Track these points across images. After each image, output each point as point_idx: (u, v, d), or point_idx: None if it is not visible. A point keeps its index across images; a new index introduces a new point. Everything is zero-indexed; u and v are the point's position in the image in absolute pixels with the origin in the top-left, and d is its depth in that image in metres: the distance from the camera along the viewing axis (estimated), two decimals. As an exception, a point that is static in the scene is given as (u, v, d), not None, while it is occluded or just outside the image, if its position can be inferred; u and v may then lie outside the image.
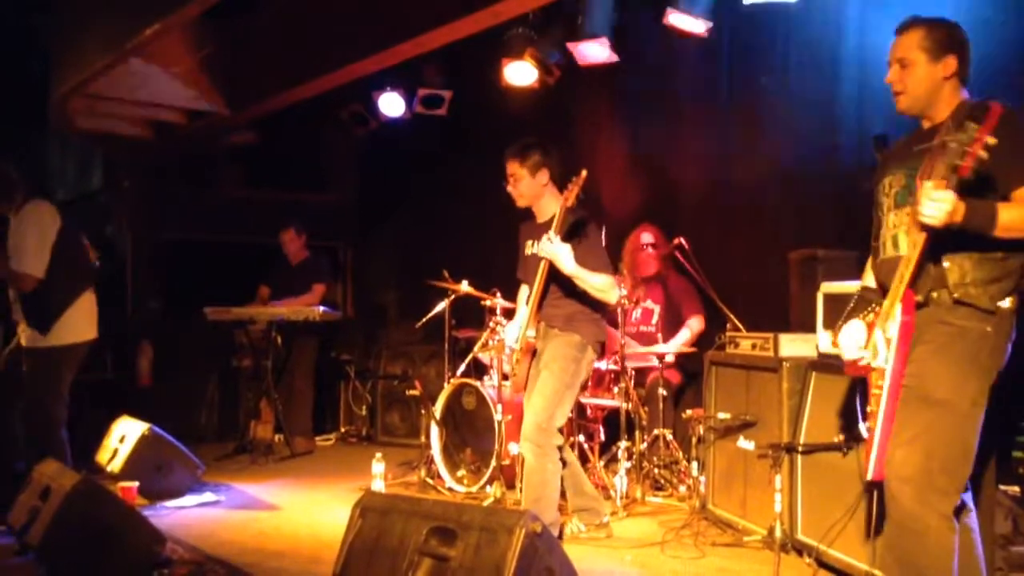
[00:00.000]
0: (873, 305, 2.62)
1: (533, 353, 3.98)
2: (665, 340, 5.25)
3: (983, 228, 2.39)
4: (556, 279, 3.87)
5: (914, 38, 2.61)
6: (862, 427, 2.54)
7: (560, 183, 3.94)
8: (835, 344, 2.72)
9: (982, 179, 2.41)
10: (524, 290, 4.24)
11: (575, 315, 3.91)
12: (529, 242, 4.08)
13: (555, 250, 3.71)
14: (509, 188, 4.03)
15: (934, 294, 2.53)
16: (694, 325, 5.41)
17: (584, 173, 3.72)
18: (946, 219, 2.34)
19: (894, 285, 2.50)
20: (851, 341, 2.62)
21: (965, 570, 2.53)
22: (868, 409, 2.54)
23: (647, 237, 5.48)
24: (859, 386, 2.66)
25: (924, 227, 2.40)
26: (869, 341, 2.56)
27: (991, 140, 2.30)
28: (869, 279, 2.84)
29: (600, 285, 3.81)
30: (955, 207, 2.33)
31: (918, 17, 2.65)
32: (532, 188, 3.98)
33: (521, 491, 4.20)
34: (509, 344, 4.16)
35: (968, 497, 2.58)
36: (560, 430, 3.86)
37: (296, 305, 6.50)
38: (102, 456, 5.10)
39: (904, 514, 2.46)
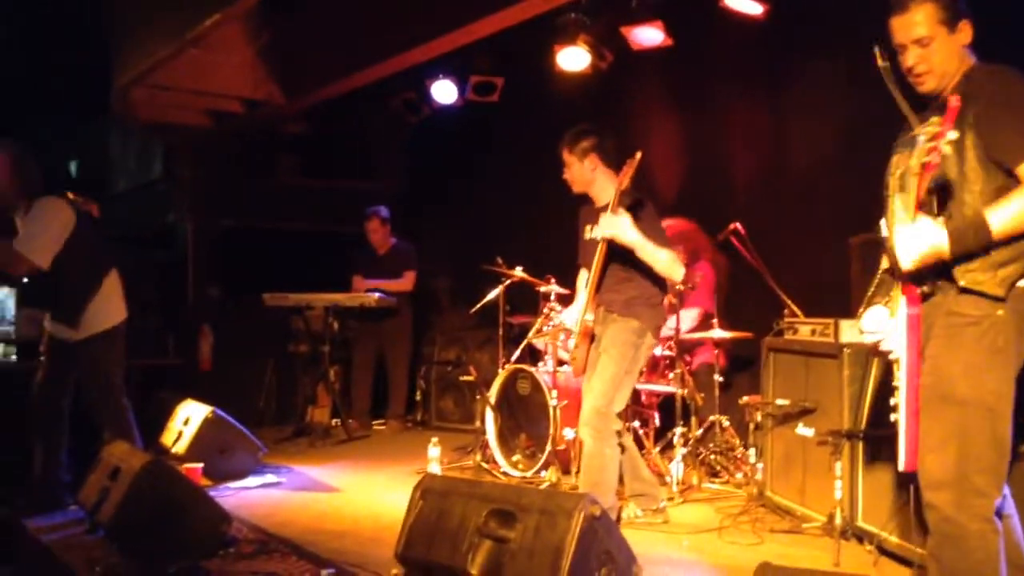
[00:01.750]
0: (891, 290, 2.52)
1: (592, 337, 3.98)
2: (720, 325, 5.15)
3: (980, 246, 2.27)
4: (615, 262, 3.88)
5: (928, 13, 2.42)
6: (892, 415, 2.44)
7: (616, 168, 3.93)
8: (860, 330, 2.60)
9: (989, 157, 2.31)
10: (583, 275, 4.24)
11: (634, 300, 3.91)
12: (588, 227, 4.09)
13: (614, 222, 3.69)
14: (565, 176, 4.07)
15: (939, 282, 2.40)
16: (694, 314, 5.35)
17: (639, 155, 3.71)
18: (928, 257, 2.29)
19: (898, 274, 2.41)
20: (873, 326, 2.51)
21: (1009, 560, 2.39)
22: (892, 401, 2.43)
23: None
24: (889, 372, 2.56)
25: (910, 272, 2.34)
26: (888, 328, 2.46)
27: (952, 135, 2.23)
28: (887, 261, 2.70)
29: (665, 259, 3.78)
30: (932, 246, 2.27)
31: None
32: (583, 174, 4.01)
33: (577, 475, 4.24)
34: (568, 327, 4.17)
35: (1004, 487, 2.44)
36: (619, 415, 3.87)
37: (390, 288, 6.65)
38: (167, 438, 5.24)
39: (943, 520, 2.33)
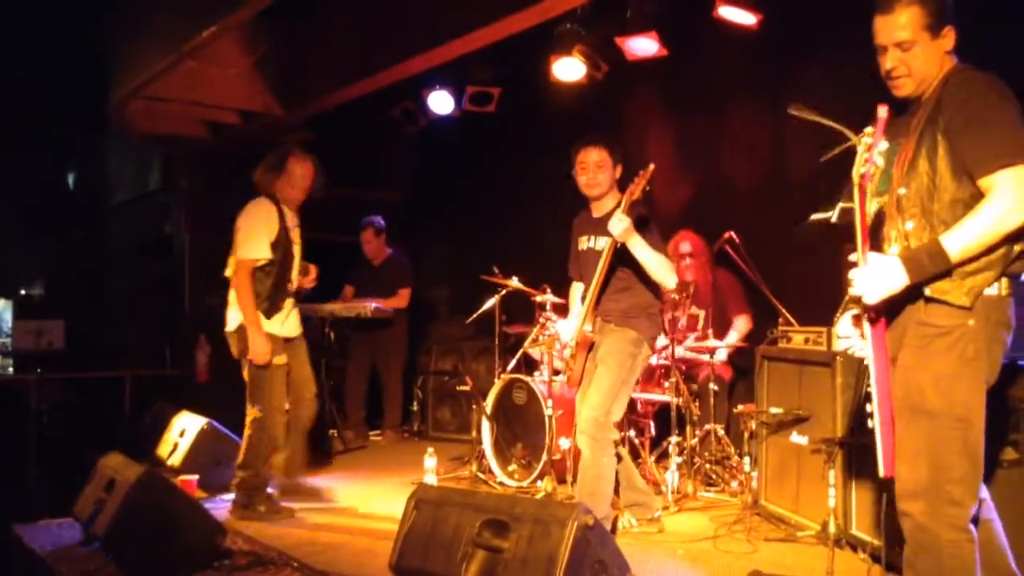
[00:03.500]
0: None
1: (589, 347, 3.97)
2: (717, 336, 5.21)
3: (939, 271, 2.27)
4: (616, 271, 3.87)
5: (912, 16, 2.37)
6: (870, 422, 2.44)
7: (619, 186, 3.95)
8: (836, 335, 2.61)
9: (959, 166, 2.30)
10: (576, 287, 4.24)
11: (632, 310, 3.91)
12: (584, 237, 4.07)
13: (625, 221, 3.65)
14: (585, 176, 3.94)
15: (908, 294, 2.37)
16: (740, 326, 5.36)
17: (652, 167, 3.69)
18: (891, 292, 2.29)
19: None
20: (847, 332, 2.51)
21: (990, 565, 2.41)
22: (868, 408, 2.42)
23: (685, 247, 5.39)
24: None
25: (872, 307, 2.34)
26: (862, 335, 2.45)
27: (883, 146, 2.27)
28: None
29: (663, 263, 3.78)
30: (891, 283, 2.27)
31: None
32: (611, 177, 3.96)
33: (574, 485, 4.24)
34: (565, 339, 4.15)
35: (982, 487, 2.43)
36: (616, 425, 3.88)
37: (385, 307, 6.60)
38: (162, 450, 5.24)
39: (918, 529, 2.34)
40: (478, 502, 2.95)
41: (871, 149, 2.27)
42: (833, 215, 2.50)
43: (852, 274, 2.37)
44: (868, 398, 2.46)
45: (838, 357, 3.77)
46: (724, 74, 5.91)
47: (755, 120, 5.78)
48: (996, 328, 2.34)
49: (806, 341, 4.10)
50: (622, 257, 3.81)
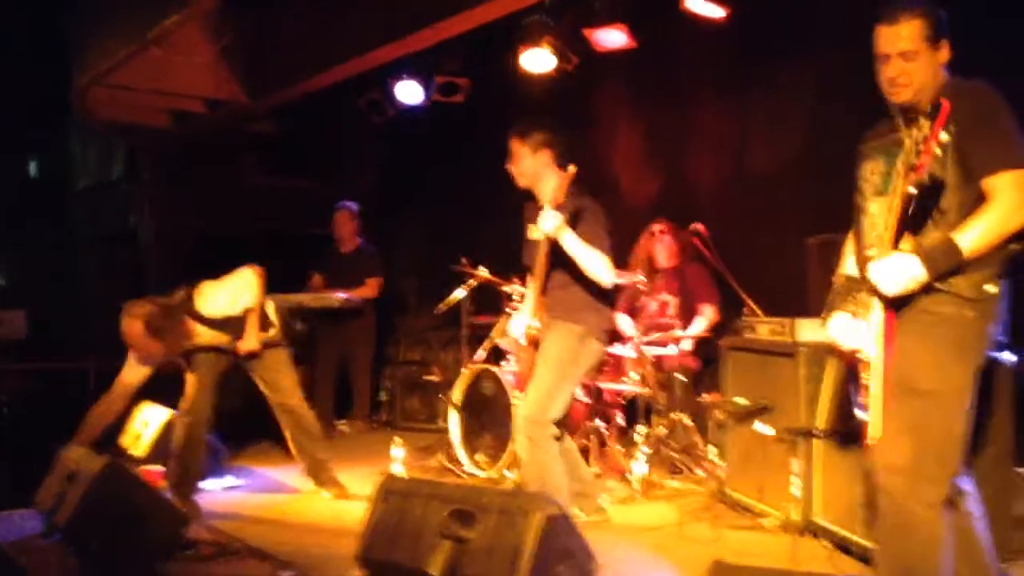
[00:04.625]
0: (854, 294, 2.60)
1: (536, 344, 3.83)
2: (682, 330, 5.25)
3: (952, 267, 2.37)
4: (559, 264, 3.74)
5: (915, 28, 2.49)
6: (858, 413, 2.52)
7: (565, 167, 3.76)
8: (829, 336, 2.67)
9: (965, 168, 2.40)
10: (530, 280, 4.16)
11: (578, 303, 3.78)
12: (532, 226, 3.91)
13: (552, 221, 3.57)
14: (510, 167, 3.92)
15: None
16: (708, 313, 5.39)
17: (572, 169, 3.60)
18: (909, 287, 2.37)
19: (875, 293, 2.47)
20: (842, 333, 2.59)
21: (966, 557, 2.50)
22: (860, 400, 2.52)
23: (660, 228, 5.46)
24: (850, 371, 2.62)
25: (887, 299, 2.43)
26: (858, 332, 2.54)
27: (944, 137, 2.28)
28: (848, 266, 2.78)
29: (597, 259, 3.66)
30: (911, 277, 2.35)
31: (912, 4, 2.52)
32: (532, 167, 3.86)
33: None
34: (515, 337, 4.03)
35: (967, 482, 2.55)
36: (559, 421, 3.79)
37: (355, 297, 6.57)
38: (126, 441, 5.19)
39: (894, 504, 2.44)
40: (445, 493, 2.95)
41: (929, 140, 2.30)
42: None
43: (871, 266, 2.45)
44: (859, 390, 2.53)
45: (801, 348, 3.82)
46: (693, 67, 5.94)
47: (724, 113, 5.82)
48: (989, 321, 2.47)
49: (771, 332, 4.14)
50: (561, 251, 3.68)
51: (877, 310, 2.48)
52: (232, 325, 4.44)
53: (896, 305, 2.48)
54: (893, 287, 2.41)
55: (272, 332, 4.62)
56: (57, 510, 3.60)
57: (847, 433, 3.46)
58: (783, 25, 5.27)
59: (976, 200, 2.40)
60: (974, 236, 2.35)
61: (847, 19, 4.99)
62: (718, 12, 5.16)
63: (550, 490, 3.64)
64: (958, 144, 2.38)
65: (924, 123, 2.35)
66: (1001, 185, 2.35)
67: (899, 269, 2.39)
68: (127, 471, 3.70)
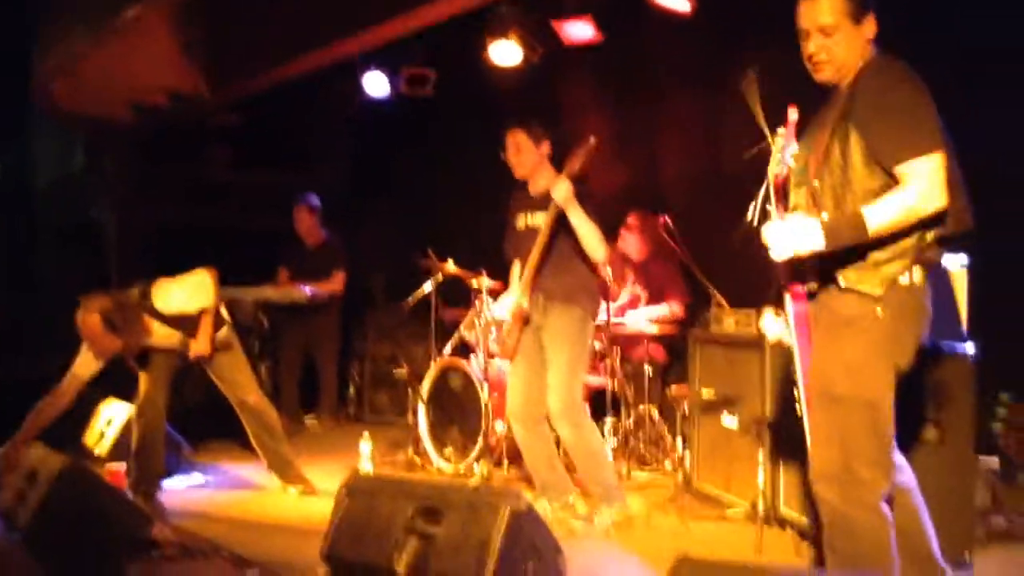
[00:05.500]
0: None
1: (526, 321, 3.97)
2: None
3: (855, 241, 2.31)
4: (556, 247, 3.88)
5: (835, 2, 2.42)
6: (798, 407, 2.52)
7: (556, 165, 3.94)
8: (759, 330, 2.70)
9: (871, 151, 2.35)
10: (518, 267, 4.22)
11: (575, 286, 3.93)
12: (521, 214, 4.07)
13: (564, 188, 3.66)
14: (509, 157, 4.01)
15: (820, 282, 2.46)
16: (673, 307, 5.41)
17: (593, 140, 3.68)
18: (803, 250, 2.32)
19: (779, 271, 2.45)
20: (770, 326, 2.60)
21: (908, 535, 2.49)
22: (795, 392, 2.52)
23: (632, 220, 5.48)
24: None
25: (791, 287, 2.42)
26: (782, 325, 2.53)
27: (794, 147, 2.33)
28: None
29: (596, 234, 3.79)
30: (806, 239, 2.30)
31: None
32: (533, 158, 3.99)
33: (510, 468, 4.23)
34: (501, 315, 4.16)
35: (898, 457, 2.52)
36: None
37: (320, 290, 6.52)
38: (89, 438, 5.11)
39: (833, 512, 2.42)
40: (411, 489, 2.93)
41: (783, 151, 2.32)
42: (753, 217, 2.53)
43: (767, 228, 2.41)
44: (795, 383, 2.53)
45: (766, 340, 3.83)
46: (661, 60, 5.93)
47: (691, 106, 5.83)
48: (911, 315, 2.41)
49: (736, 324, 4.17)
50: (561, 232, 3.82)
51: (788, 300, 2.44)
52: (186, 324, 4.40)
53: (806, 295, 2.46)
54: (784, 249, 2.34)
55: (224, 330, 4.57)
56: (17, 511, 3.53)
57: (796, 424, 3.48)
58: (749, 18, 5.28)
59: (880, 188, 2.34)
60: (883, 213, 2.28)
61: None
62: (684, 5, 5.16)
63: (603, 466, 3.91)
64: (863, 133, 2.35)
65: (781, 131, 2.37)
66: (913, 170, 2.29)
67: (795, 232, 2.33)
68: (88, 471, 3.65)
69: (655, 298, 5.44)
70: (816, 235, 2.31)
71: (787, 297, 2.46)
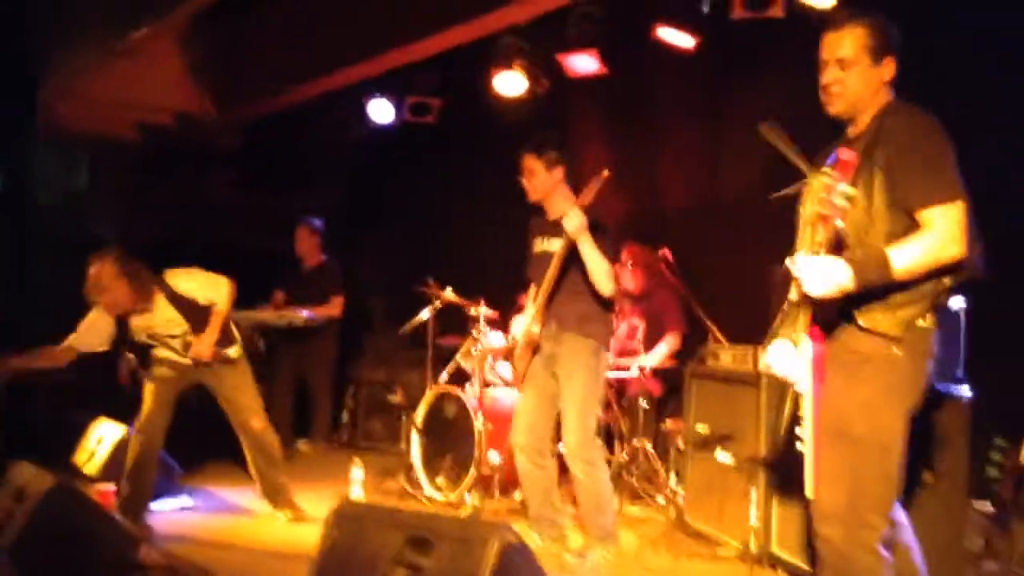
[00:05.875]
0: (797, 322, 2.51)
1: (536, 349, 3.95)
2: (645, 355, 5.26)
3: (881, 281, 2.31)
4: (570, 275, 3.85)
5: (856, 37, 2.45)
6: (798, 445, 2.49)
7: (573, 187, 3.94)
8: (764, 363, 2.59)
9: (894, 196, 2.36)
10: (533, 291, 4.18)
11: (588, 315, 3.88)
12: (538, 239, 4.06)
13: (576, 220, 3.64)
14: (523, 180, 4.01)
15: (840, 321, 2.45)
16: (670, 341, 5.40)
17: (605, 173, 3.67)
18: (834, 289, 2.30)
19: (803, 311, 2.43)
20: (776, 358, 2.52)
21: None
22: (798, 430, 2.48)
23: (626, 255, 5.46)
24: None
25: (812, 299, 2.37)
26: (792, 360, 2.47)
27: (844, 187, 2.28)
28: (795, 291, 2.71)
29: (605, 269, 3.76)
30: (837, 279, 2.29)
31: (858, 13, 2.48)
32: (546, 183, 3.95)
33: (501, 498, 4.19)
34: (516, 334, 4.15)
35: (900, 512, 2.52)
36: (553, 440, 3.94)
37: (318, 315, 6.51)
38: (79, 458, 5.07)
39: (834, 552, 2.42)
40: (401, 519, 2.90)
41: (830, 191, 2.28)
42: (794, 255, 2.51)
43: (798, 264, 2.39)
44: (796, 420, 2.50)
45: (763, 376, 3.83)
46: (664, 93, 5.98)
47: (693, 140, 5.86)
48: (922, 358, 2.42)
49: (733, 360, 4.16)
50: (575, 260, 3.79)
51: (805, 340, 2.42)
52: (192, 315, 4.38)
53: (825, 329, 2.44)
54: (819, 287, 2.33)
55: (234, 350, 4.57)
56: (3, 529, 3.50)
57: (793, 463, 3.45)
58: (753, 53, 5.32)
59: (905, 231, 2.35)
60: (908, 256, 2.29)
61: (815, 47, 5.07)
62: (688, 42, 5.21)
63: (606, 512, 3.87)
64: (888, 177, 2.36)
65: (828, 172, 2.33)
66: (935, 217, 2.30)
67: (826, 270, 2.32)
68: (77, 491, 3.61)
69: (653, 329, 5.43)
70: (845, 274, 2.31)
71: (805, 335, 2.43)
